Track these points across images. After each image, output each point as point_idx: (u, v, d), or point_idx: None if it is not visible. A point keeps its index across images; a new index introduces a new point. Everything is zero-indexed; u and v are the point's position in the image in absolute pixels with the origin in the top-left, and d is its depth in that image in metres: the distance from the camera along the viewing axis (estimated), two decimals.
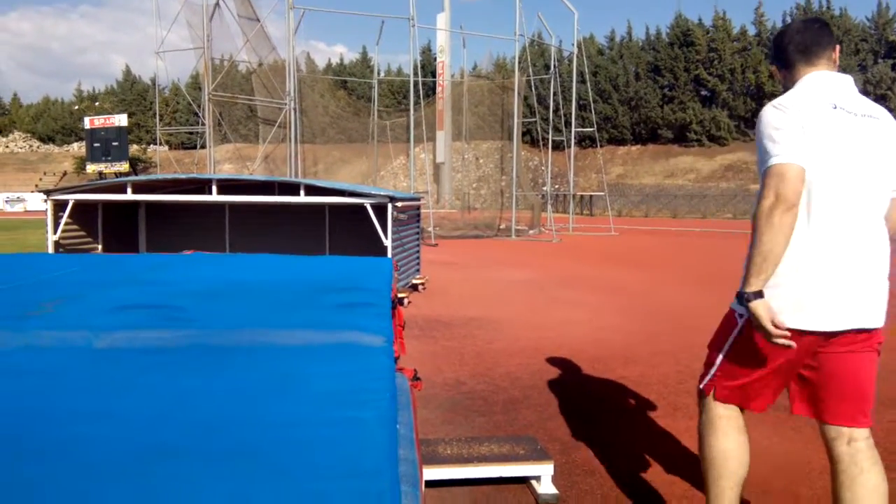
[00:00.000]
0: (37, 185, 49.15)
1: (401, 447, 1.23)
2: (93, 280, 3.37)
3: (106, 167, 46.98)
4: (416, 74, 21.73)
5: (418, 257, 10.85)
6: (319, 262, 4.03)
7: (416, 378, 1.98)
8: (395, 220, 8.85)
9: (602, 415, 4.51)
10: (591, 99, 29.27)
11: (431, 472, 3.08)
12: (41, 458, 1.10)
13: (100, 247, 10.47)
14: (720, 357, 2.53)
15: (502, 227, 23.68)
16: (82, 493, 0.99)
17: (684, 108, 48.45)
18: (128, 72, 65.99)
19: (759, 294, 2.22)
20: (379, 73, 34.94)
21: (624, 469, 3.59)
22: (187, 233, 11.02)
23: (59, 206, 9.49)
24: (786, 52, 2.45)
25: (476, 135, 34.71)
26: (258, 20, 23.51)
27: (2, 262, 4.20)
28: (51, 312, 2.49)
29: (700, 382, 2.65)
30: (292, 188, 9.40)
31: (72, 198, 9.47)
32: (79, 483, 1.02)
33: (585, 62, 29.28)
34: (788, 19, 46.81)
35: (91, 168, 48.14)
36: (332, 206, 10.41)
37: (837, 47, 2.43)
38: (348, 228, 10.40)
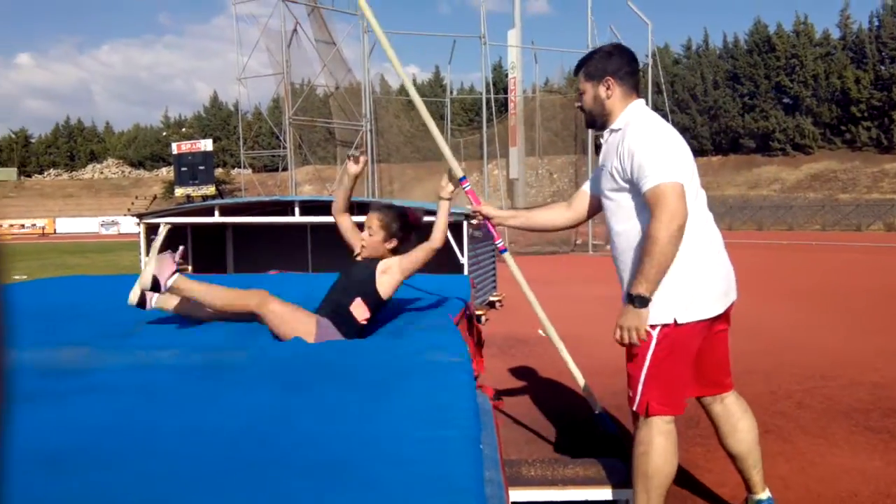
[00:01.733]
0: (129, 209, 51.82)
1: (486, 468, 1.22)
2: None
3: (193, 191, 49.06)
4: (487, 92, 21.85)
5: (494, 274, 10.83)
6: None
7: (497, 396, 1.97)
8: (470, 237, 8.87)
9: (690, 437, 4.36)
10: (668, 109, 28.69)
11: (515, 494, 3.04)
12: (137, 472, 1.14)
13: (190, 268, 10.90)
14: (644, 372, 2.63)
15: (579, 242, 23.37)
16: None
17: (766, 117, 46.82)
18: (215, 98, 69.04)
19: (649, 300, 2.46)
20: (451, 92, 35.30)
21: (713, 493, 3.46)
22: (272, 253, 11.36)
23: (151, 229, 9.95)
24: (631, 76, 2.68)
25: (549, 150, 34.52)
26: (335, 44, 24.17)
27: (100, 284, 4.44)
28: (146, 332, 2.61)
29: (631, 405, 2.74)
30: (369, 207, 9.57)
31: (163, 221, 9.92)
32: (175, 496, 1.05)
33: (661, 72, 28.74)
34: (876, 21, 44.72)
35: (179, 192, 50.37)
36: None
37: None
38: None
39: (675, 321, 2.52)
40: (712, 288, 2.60)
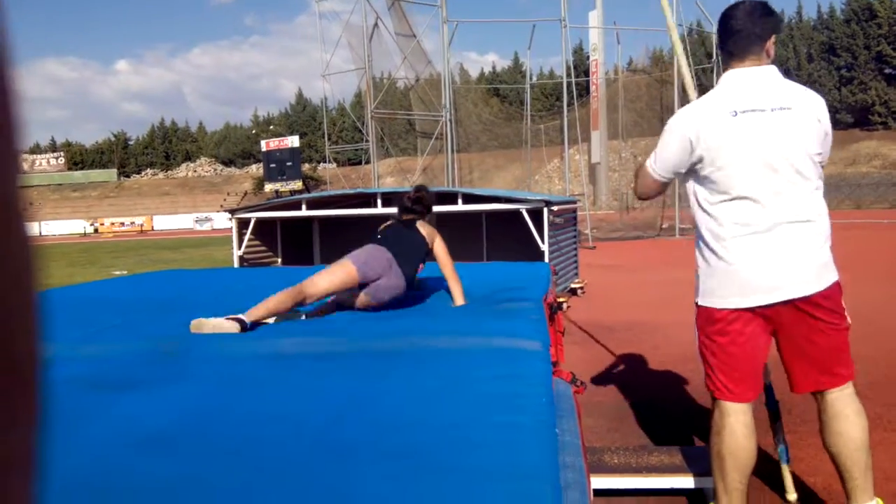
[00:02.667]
0: (221, 206, 53.91)
1: (567, 454, 1.23)
2: (274, 292, 3.65)
3: (281, 186, 50.58)
4: (568, 75, 21.52)
5: (576, 261, 10.70)
6: (478, 268, 4.11)
7: (575, 382, 1.97)
8: (551, 224, 8.79)
9: (784, 425, 4.20)
10: None
11: (598, 481, 3.02)
12: (225, 457, 1.21)
13: (279, 260, 11.28)
14: (698, 351, 2.64)
15: (665, 226, 22.76)
16: (263, 488, 1.08)
17: (865, 89, 44.10)
18: (300, 95, 70.87)
19: None
20: (531, 78, 34.97)
21: (808, 483, 3.33)
22: (357, 244, 11.55)
23: (243, 224, 10.34)
24: (722, 44, 2.55)
25: (633, 132, 33.70)
26: (414, 35, 24.34)
27: (195, 277, 4.66)
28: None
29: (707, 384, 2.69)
30: (450, 197, 9.62)
31: (253, 216, 10.29)
32: (259, 479, 1.11)
33: None
34: None
35: (268, 187, 52.05)
36: (489, 213, 10.53)
37: (773, 37, 2.48)
38: (505, 234, 10.46)
39: (697, 303, 2.57)
40: (733, 279, 2.47)
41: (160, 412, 1.48)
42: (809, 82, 45.74)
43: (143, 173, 72.47)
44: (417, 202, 3.52)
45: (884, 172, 40.43)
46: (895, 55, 43.53)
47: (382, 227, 3.37)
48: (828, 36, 46.81)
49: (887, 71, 44.58)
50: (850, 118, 44.64)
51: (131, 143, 75.75)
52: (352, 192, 11.37)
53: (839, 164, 42.76)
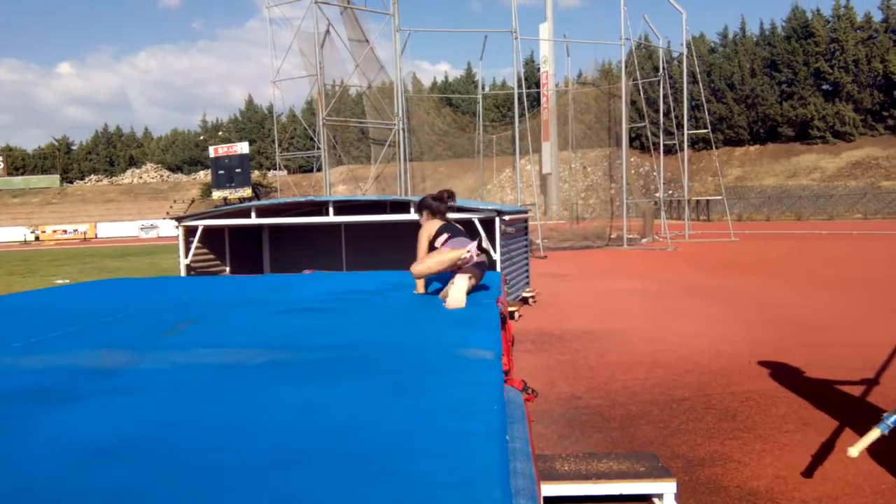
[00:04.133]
0: (167, 213, 52.83)
1: (517, 461, 1.24)
2: (222, 301, 3.60)
3: (230, 193, 49.83)
4: (520, 87, 21.75)
5: (527, 270, 10.81)
6: (431, 277, 4.11)
7: (526, 390, 1.99)
8: (503, 233, 8.87)
9: (726, 430, 4.32)
10: (703, 99, 28.23)
11: (549, 489, 3.05)
12: (177, 466, 1.19)
13: (227, 268, 11.10)
14: None
15: (613, 236, 23.16)
16: (213, 497, 1.07)
17: (805, 104, 45.77)
18: (250, 101, 69.96)
19: None
20: (483, 88, 35.21)
21: (752, 487, 3.42)
22: (307, 253, 11.50)
23: (190, 232, 10.15)
24: None
25: (583, 143, 34.23)
26: (367, 41, 24.28)
27: (140, 286, 4.56)
28: (185, 332, 2.68)
29: None
30: (403, 206, 9.62)
31: (201, 223, 10.11)
32: (209, 487, 1.10)
33: (696, 62, 28.31)
34: None
35: (216, 194, 51.20)
36: None
37: None
38: None
39: None
40: None
41: (106, 423, 1.45)
42: (752, 96, 47.30)
43: (87, 179, 70.50)
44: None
45: (822, 185, 41.98)
46: (832, 72, 45.27)
47: (442, 225, 3.65)
48: (770, 52, 48.44)
49: (825, 87, 46.35)
50: (791, 132, 46.24)
51: (74, 148, 73.62)
52: (303, 199, 11.26)
53: (780, 177, 44.23)
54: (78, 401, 1.63)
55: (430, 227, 3.62)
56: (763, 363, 5.95)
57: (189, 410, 1.56)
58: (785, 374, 5.57)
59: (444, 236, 3.52)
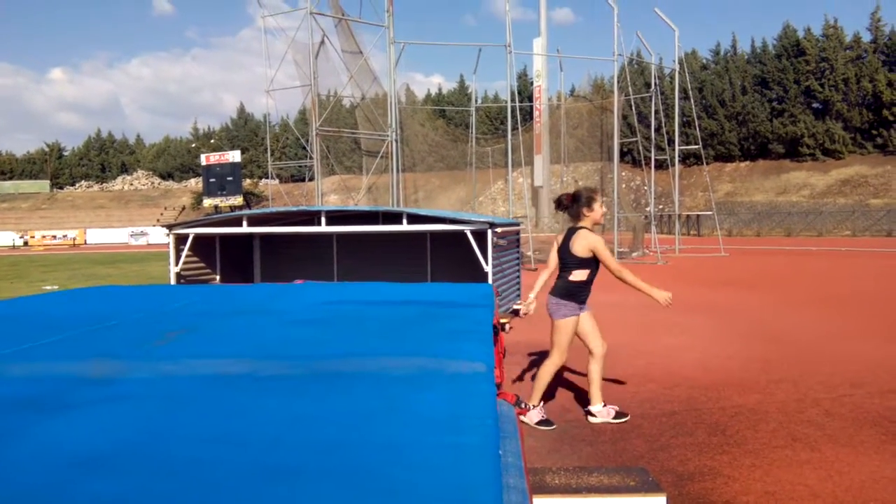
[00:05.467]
0: (158, 220, 52.61)
1: (510, 475, 1.24)
2: (212, 310, 3.58)
3: (221, 201, 49.69)
4: (513, 100, 21.83)
5: (519, 282, 10.81)
6: (422, 289, 4.11)
7: (519, 404, 1.99)
8: (494, 245, 8.87)
9: (717, 446, 4.32)
10: (695, 115, 28.43)
11: (539, 502, 3.04)
12: (166, 478, 1.18)
13: (218, 277, 11.05)
14: None
15: None
16: None
17: (795, 122, 46.17)
18: (242, 109, 69.91)
19: None
20: (476, 101, 35.34)
21: (741, 502, 3.42)
22: (298, 262, 11.47)
23: (180, 240, 10.10)
24: None
25: (575, 157, 34.36)
26: (361, 53, 24.34)
27: (130, 293, 4.53)
28: (174, 341, 2.66)
29: None
30: (395, 217, 9.62)
31: (192, 231, 10.07)
32: (197, 500, 1.09)
33: (688, 78, 28.53)
34: None
35: (207, 202, 51.04)
36: (434, 234, 10.57)
37: None
38: (449, 255, 10.51)
39: None
40: None
41: (95, 433, 1.43)
42: (743, 113, 47.67)
43: (78, 185, 70.18)
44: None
45: (812, 202, 42.27)
46: (822, 90, 45.70)
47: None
48: (760, 69, 48.86)
49: (815, 105, 46.77)
50: (781, 149, 46.59)
51: (66, 153, 73.29)
52: (295, 209, 11.24)
53: (770, 193, 44.51)
54: (67, 410, 1.61)
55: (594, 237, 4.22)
56: (752, 378, 5.97)
57: (179, 421, 1.55)
58: (774, 390, 5.59)
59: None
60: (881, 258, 20.95)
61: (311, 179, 24.11)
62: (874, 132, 44.19)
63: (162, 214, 56.57)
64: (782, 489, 3.56)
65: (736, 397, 5.36)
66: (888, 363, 6.40)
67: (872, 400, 5.19)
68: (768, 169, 46.66)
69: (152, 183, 69.71)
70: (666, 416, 4.90)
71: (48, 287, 15.37)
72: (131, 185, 69.77)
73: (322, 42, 23.88)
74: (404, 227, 9.20)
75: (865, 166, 43.43)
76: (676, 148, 26.67)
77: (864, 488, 3.54)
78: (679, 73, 26.67)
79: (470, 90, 42.57)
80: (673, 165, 26.62)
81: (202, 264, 10.76)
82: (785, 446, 4.23)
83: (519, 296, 10.72)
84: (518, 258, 11.18)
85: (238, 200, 49.71)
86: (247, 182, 56.84)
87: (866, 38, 46.00)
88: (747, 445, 4.29)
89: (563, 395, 5.55)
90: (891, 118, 42.92)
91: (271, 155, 30.53)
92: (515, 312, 9.84)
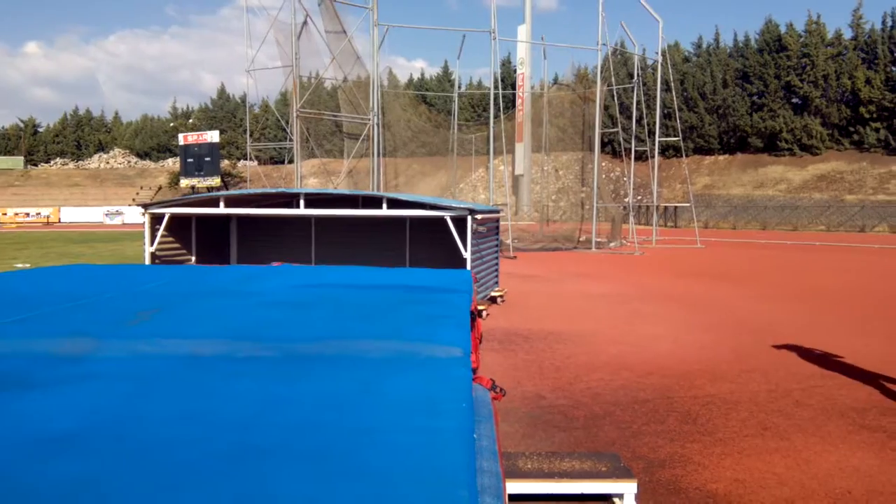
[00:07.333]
0: (134, 199, 51.94)
1: (484, 459, 1.24)
2: (187, 291, 3.54)
3: (198, 182, 49.15)
4: (496, 87, 21.80)
5: (497, 270, 10.84)
6: (400, 273, 4.10)
7: (494, 388, 1.99)
8: (474, 232, 8.88)
9: (688, 434, 4.38)
10: (675, 107, 28.60)
11: (512, 486, 3.07)
12: (136, 458, 1.17)
13: (193, 258, 10.94)
14: None
15: (582, 239, 23.35)
16: (172, 490, 1.04)
17: (774, 116, 46.64)
18: (222, 90, 69.07)
19: None
20: (459, 87, 35.23)
21: (710, 489, 3.47)
22: (276, 245, 11.39)
23: (156, 220, 9.98)
24: None
25: (556, 146, 34.46)
26: (345, 33, 24.11)
27: (103, 273, 4.47)
28: (147, 321, 2.63)
29: None
30: (375, 201, 9.58)
31: (168, 211, 9.95)
32: (169, 480, 1.08)
33: (670, 70, 28.64)
34: (889, 22, 44.40)
35: (184, 182, 50.47)
36: (413, 219, 10.55)
37: None
38: (429, 240, 10.50)
39: None
40: None
41: (64, 412, 1.41)
42: (723, 107, 48.04)
43: (53, 162, 68.99)
44: None
45: (788, 196, 42.81)
46: (802, 86, 46.15)
47: None
48: (742, 63, 49.22)
49: (794, 100, 47.24)
50: (759, 143, 47.06)
51: (41, 130, 71.94)
52: (273, 191, 11.15)
53: (747, 187, 45.00)
54: (35, 388, 1.59)
55: None
56: (725, 368, 6.05)
57: (150, 401, 1.53)
58: (746, 380, 5.67)
59: None
60: (854, 253, 21.29)
61: (291, 162, 23.92)
62: (851, 129, 44.78)
63: (138, 194, 55.84)
64: (751, 477, 3.61)
65: (708, 386, 5.43)
66: (858, 356, 6.52)
67: (841, 391, 5.29)
68: (746, 163, 47.13)
69: (129, 162, 68.74)
70: (639, 404, 4.95)
71: (19, 265, 15.14)
72: (107, 163, 68.73)
73: (305, 22, 23.62)
74: (384, 211, 9.17)
75: (842, 162, 44.03)
76: (657, 139, 26.82)
77: (831, 476, 3.61)
78: (661, 64, 26.78)
79: (453, 76, 42.42)
80: (652, 157, 26.79)
81: (178, 245, 10.65)
82: (755, 435, 4.30)
83: (497, 283, 10.74)
84: (497, 245, 11.21)
85: (216, 181, 49.21)
86: (225, 163, 56.27)
87: (847, 34, 46.52)
88: (718, 434, 4.36)
89: (540, 383, 5.59)
90: (867, 115, 43.51)
91: (250, 136, 30.23)
92: (493, 299, 9.88)
